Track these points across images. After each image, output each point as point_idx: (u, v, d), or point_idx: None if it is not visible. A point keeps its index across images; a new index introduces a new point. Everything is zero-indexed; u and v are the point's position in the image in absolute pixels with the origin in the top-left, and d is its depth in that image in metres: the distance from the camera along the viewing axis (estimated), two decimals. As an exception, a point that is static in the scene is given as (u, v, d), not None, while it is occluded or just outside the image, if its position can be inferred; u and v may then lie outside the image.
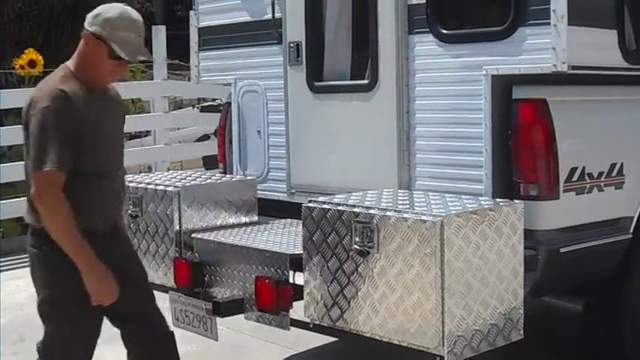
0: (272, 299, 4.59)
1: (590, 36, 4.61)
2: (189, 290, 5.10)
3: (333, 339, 5.43)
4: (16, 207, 9.70)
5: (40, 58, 11.32)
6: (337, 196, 4.66)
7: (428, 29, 4.93)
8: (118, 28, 4.02)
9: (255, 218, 5.59)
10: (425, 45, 4.96)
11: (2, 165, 9.70)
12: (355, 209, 4.27)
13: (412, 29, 5.01)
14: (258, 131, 5.96)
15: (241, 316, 4.91)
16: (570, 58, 4.38)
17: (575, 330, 5.48)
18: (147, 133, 13.03)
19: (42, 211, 3.93)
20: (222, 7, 6.09)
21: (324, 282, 4.37)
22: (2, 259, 9.30)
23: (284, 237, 5.08)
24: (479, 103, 4.70)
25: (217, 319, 5.00)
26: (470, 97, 4.75)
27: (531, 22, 4.49)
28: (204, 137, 14.13)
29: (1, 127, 10.03)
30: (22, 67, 11.27)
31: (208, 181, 5.53)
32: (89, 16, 4.08)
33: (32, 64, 11.23)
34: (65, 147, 3.87)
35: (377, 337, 4.20)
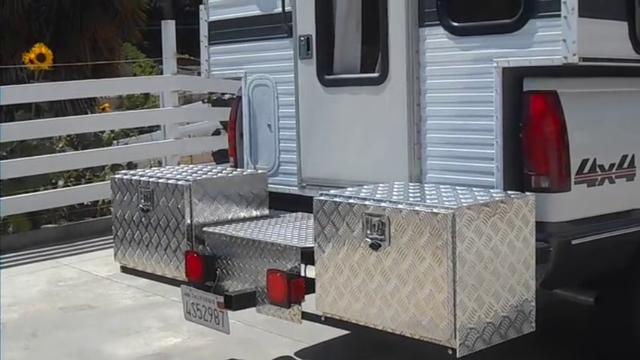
0: (284, 292, 4.60)
1: (601, 27, 4.60)
2: (201, 284, 5.12)
3: (345, 332, 5.43)
4: (27, 202, 9.75)
5: (50, 52, 11.35)
6: (348, 189, 4.66)
7: (438, 22, 4.92)
8: None
9: (266, 212, 5.61)
10: (435, 37, 4.95)
11: (13, 160, 9.69)
12: (366, 202, 4.27)
13: (422, 22, 5.00)
14: (269, 125, 5.97)
15: (253, 309, 4.92)
16: (581, 50, 4.37)
17: (587, 322, 5.47)
18: (157, 128, 13.03)
19: None
20: (232, 0, 6.10)
21: (335, 275, 4.37)
22: (14, 254, 9.31)
23: (295, 230, 5.09)
24: (489, 95, 4.69)
25: (229, 312, 5.02)
26: (481, 89, 4.75)
27: (542, 14, 4.48)
28: (217, 132, 14.13)
29: (11, 123, 10.03)
30: (31, 61, 11.28)
31: (219, 174, 5.54)
32: None
33: (41, 57, 11.25)
34: None
35: (389, 330, 4.19)
